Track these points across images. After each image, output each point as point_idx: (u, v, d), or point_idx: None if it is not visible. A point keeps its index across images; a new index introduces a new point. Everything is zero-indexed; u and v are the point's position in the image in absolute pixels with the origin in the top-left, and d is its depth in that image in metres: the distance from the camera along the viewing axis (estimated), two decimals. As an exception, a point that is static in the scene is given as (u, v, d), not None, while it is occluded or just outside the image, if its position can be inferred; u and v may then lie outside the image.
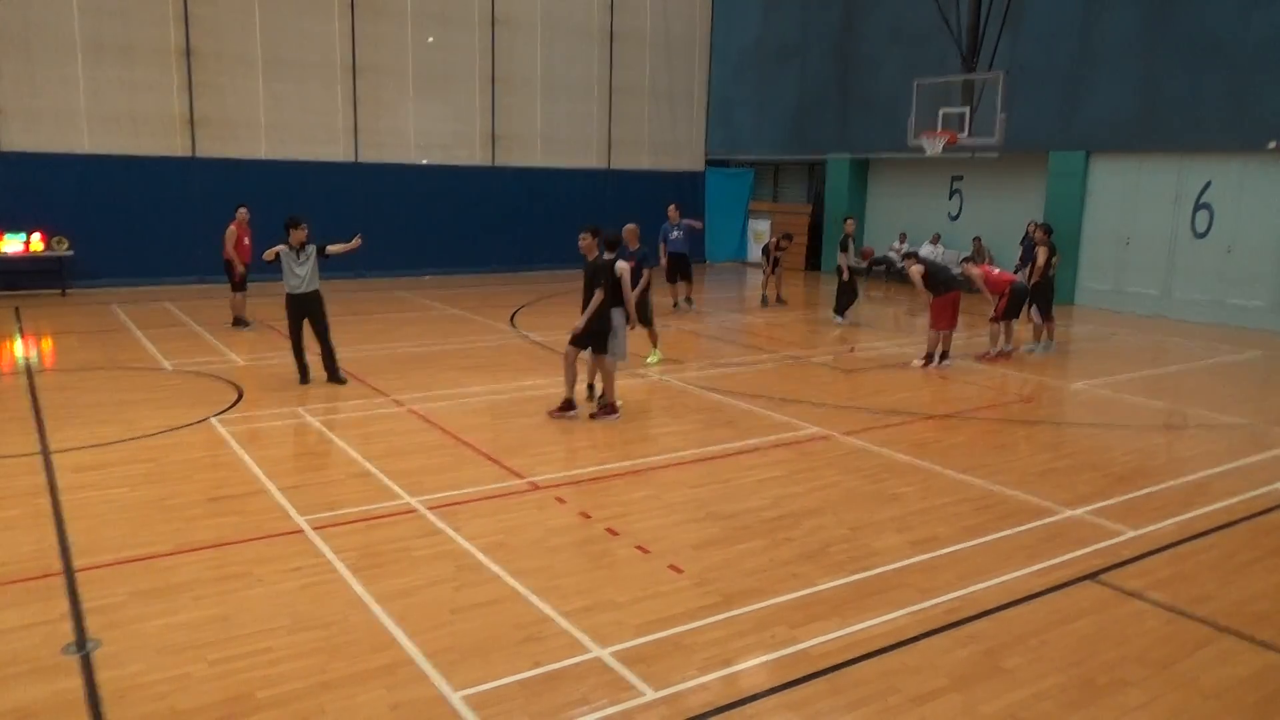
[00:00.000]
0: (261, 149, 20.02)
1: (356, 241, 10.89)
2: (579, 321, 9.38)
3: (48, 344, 13.38)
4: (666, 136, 25.69)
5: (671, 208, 17.32)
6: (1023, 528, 6.78)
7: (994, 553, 6.30)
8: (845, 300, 16.32)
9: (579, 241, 9.38)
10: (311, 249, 10.65)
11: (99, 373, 11.37)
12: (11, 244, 17.39)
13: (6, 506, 6.73)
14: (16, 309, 16.05)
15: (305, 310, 10.72)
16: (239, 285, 14.42)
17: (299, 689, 4.44)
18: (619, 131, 24.79)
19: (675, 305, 17.06)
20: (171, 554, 5.97)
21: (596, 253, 9.36)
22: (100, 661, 4.64)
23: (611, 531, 6.50)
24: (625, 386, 10.86)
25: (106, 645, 4.79)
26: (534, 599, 5.40)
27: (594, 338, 9.42)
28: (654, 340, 12.51)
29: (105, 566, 5.74)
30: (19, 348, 12.97)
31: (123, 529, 6.36)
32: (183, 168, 19.20)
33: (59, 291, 17.81)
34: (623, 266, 9.63)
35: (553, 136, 23.72)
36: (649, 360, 12.27)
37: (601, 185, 24.32)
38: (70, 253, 17.87)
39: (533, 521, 6.70)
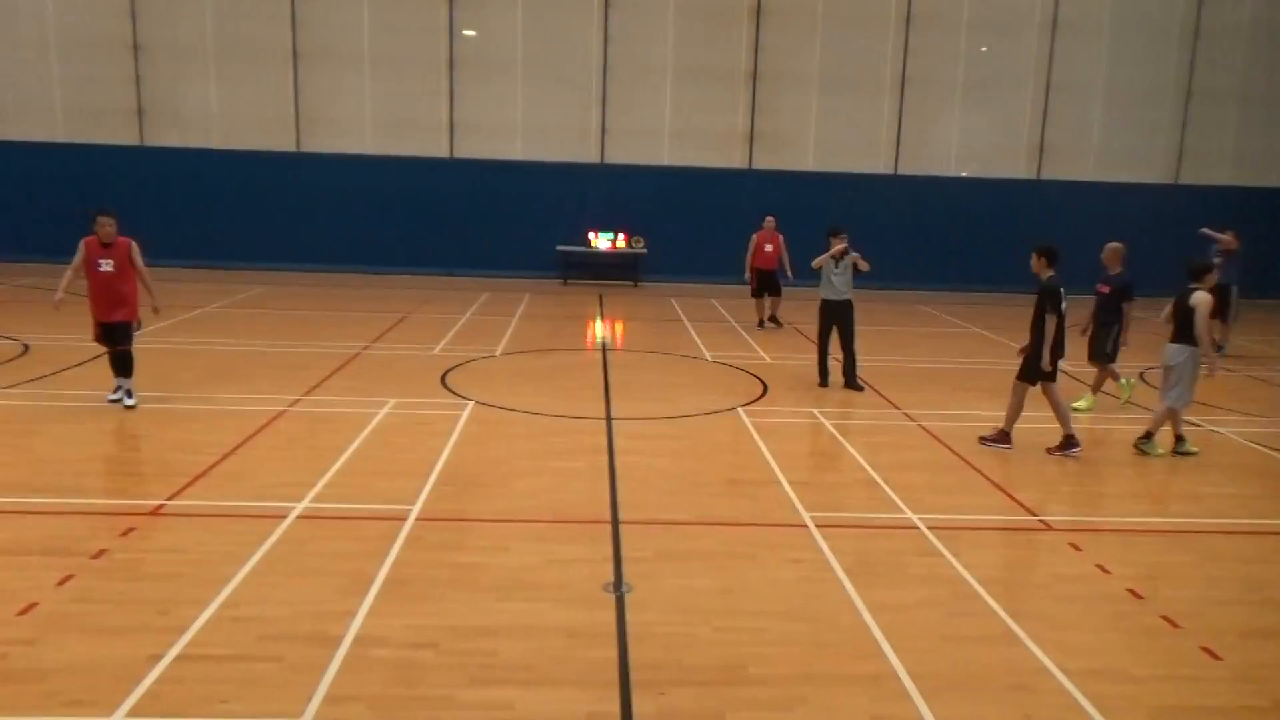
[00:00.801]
0: (809, 161, 21.24)
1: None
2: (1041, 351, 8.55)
3: (619, 328, 15.76)
4: (1259, 148, 21.77)
5: (1208, 230, 14.37)
6: None
7: None
8: None
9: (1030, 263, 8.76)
10: (849, 259, 10.99)
11: (654, 356, 13.08)
12: (603, 241, 20.80)
13: (578, 458, 8.09)
14: (600, 296, 19.14)
15: (838, 317, 11.11)
16: (756, 291, 15.45)
17: (786, 674, 4.67)
18: (1194, 141, 21.62)
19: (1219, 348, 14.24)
20: (692, 523, 6.66)
21: (1049, 273, 8.59)
22: (629, 604, 5.36)
23: (1134, 593, 5.75)
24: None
25: (635, 592, 5.52)
26: (1031, 646, 5.01)
27: (1029, 365, 8.72)
28: (1102, 381, 10.75)
29: (641, 524, 6.61)
30: (600, 329, 15.48)
31: (658, 494, 7.26)
32: (739, 179, 21.15)
33: (632, 283, 20.87)
34: (1203, 298, 8.46)
35: (1108, 148, 21.53)
36: (1080, 405, 10.56)
37: (1165, 201, 21.45)
38: (644, 251, 20.80)
39: (1040, 563, 6.21)
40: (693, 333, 14.94)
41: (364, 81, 20.52)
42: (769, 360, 12.82)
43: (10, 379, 10.03)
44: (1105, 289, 10.26)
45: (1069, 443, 8.65)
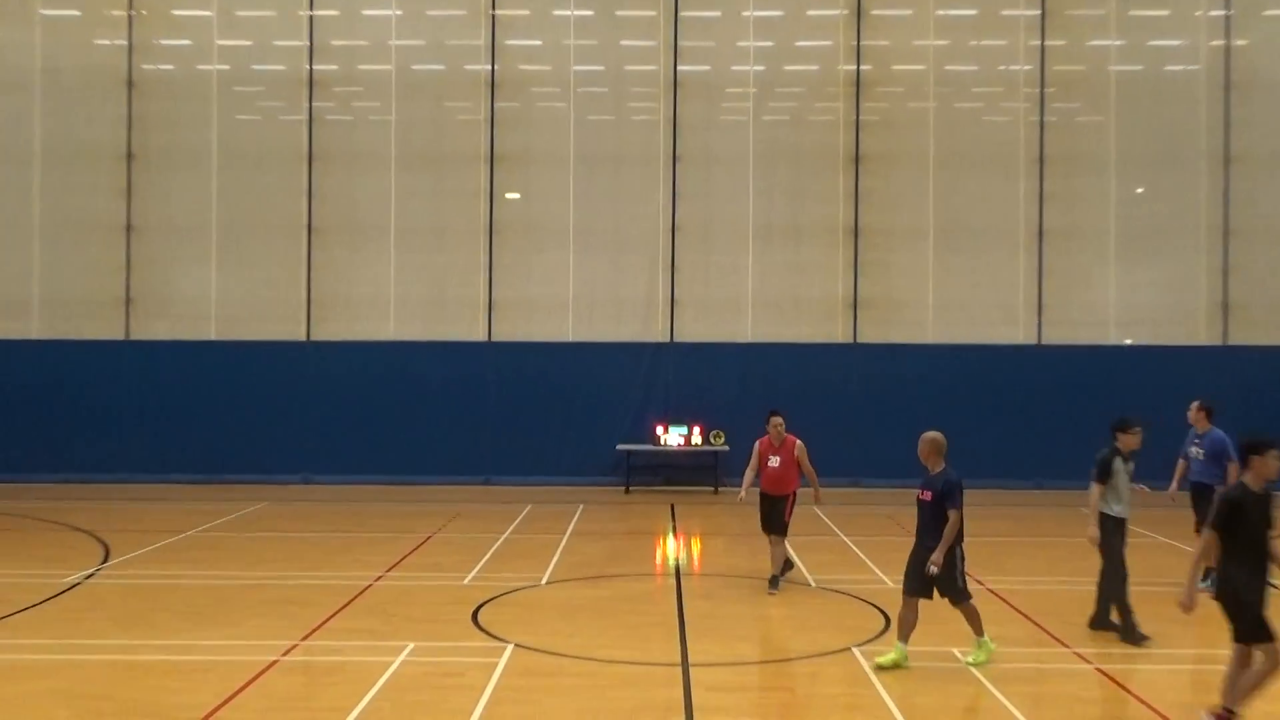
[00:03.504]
0: (928, 332, 21.36)
1: None
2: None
3: (697, 545, 15.55)
4: None
5: (1195, 407, 12.67)
6: None
7: None
8: None
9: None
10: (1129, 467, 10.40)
11: (743, 581, 12.80)
12: (674, 438, 20.87)
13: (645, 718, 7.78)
14: (672, 506, 19.03)
15: (1124, 535, 10.40)
16: (763, 523, 12.57)
17: None
18: None
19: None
20: (800, 810, 6.25)
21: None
22: None
23: None
24: None
25: None
26: None
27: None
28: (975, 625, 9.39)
29: (731, 810, 6.23)
30: (671, 548, 15.29)
31: (752, 768, 6.88)
32: (841, 355, 21.30)
33: (712, 489, 20.76)
34: None
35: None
36: (970, 659, 9.27)
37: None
38: (726, 448, 20.76)
39: None
40: (791, 551, 14.64)
41: (388, 255, 21.62)
42: (891, 584, 12.42)
43: (-50, 625, 10.20)
44: (927, 495, 9.09)
45: None
